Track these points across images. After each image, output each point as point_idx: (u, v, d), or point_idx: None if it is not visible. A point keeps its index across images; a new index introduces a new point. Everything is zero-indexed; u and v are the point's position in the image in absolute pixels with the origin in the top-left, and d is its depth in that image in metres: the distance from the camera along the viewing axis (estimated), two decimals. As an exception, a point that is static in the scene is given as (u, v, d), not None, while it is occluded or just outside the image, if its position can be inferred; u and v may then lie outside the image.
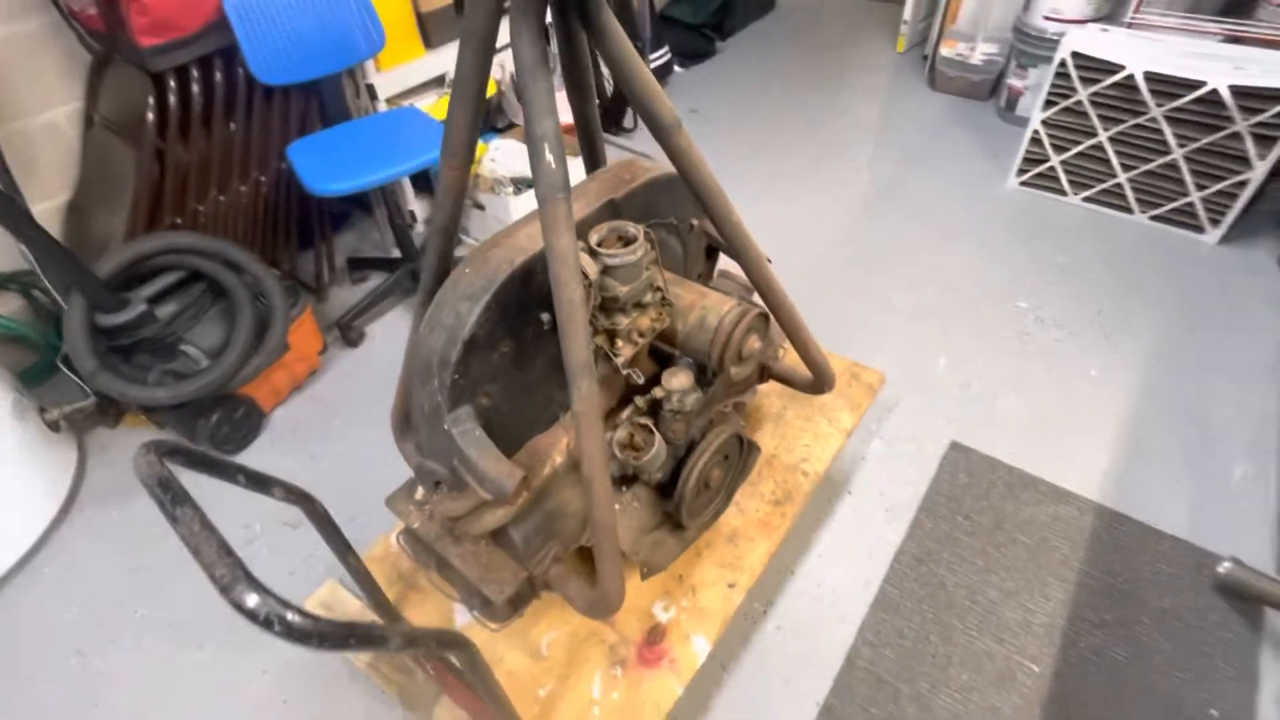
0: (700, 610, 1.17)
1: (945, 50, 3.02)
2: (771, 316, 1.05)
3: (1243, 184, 2.06)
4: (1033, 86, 2.69)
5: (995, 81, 2.99)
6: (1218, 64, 1.97)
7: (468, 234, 2.46)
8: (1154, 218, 2.28)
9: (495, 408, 0.92)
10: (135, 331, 1.59)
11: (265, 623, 0.56)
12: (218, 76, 1.76)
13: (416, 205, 2.41)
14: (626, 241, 0.86)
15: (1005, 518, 1.52)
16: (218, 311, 1.72)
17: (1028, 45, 2.64)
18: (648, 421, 1.00)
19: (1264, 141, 1.97)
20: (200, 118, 1.77)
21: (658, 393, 1.00)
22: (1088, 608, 1.37)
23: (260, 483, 0.89)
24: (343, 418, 1.88)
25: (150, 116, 1.68)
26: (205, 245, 1.67)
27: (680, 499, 1.07)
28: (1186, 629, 1.33)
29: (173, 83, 1.69)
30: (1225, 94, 1.93)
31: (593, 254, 0.85)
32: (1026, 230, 2.33)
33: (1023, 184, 2.49)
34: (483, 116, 0.80)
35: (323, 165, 1.76)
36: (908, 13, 3.37)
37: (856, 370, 1.53)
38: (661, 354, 1.09)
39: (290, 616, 0.56)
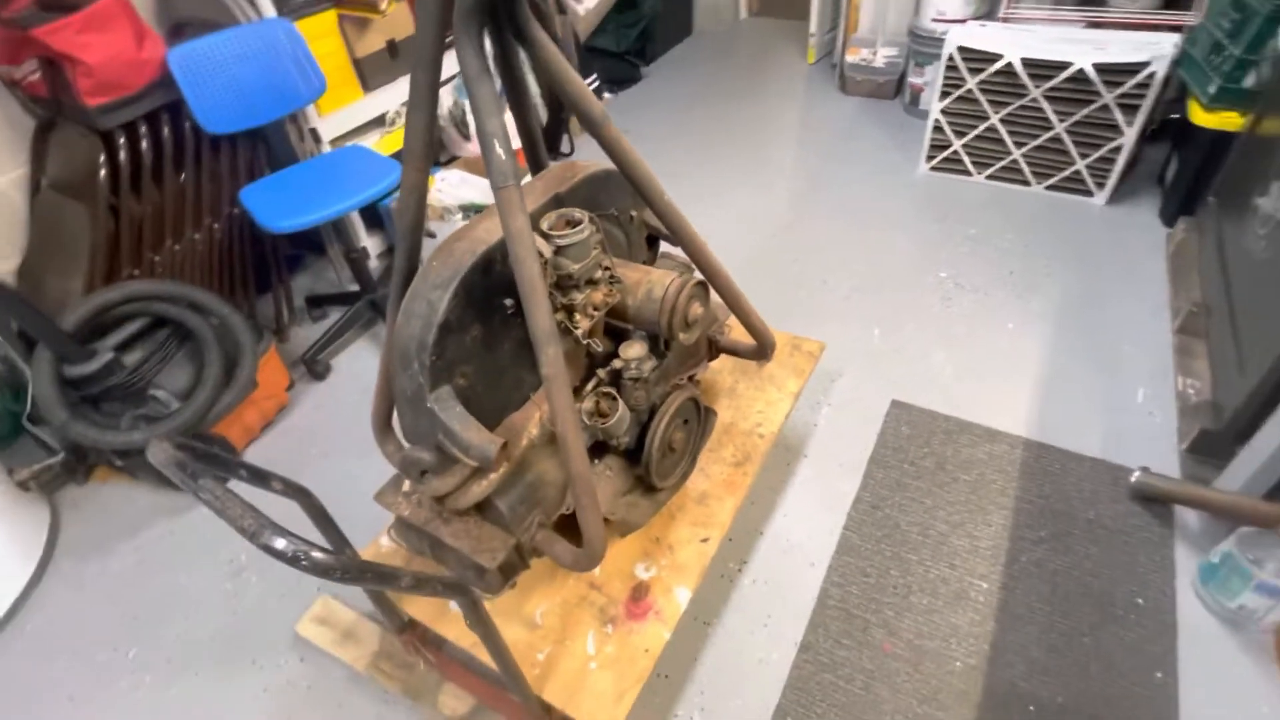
0: (679, 565, 1.26)
1: (850, 57, 3.28)
2: (711, 287, 1.18)
3: (1118, 149, 2.31)
4: (931, 82, 2.95)
5: (898, 81, 3.25)
6: (1082, 47, 2.23)
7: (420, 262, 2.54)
8: (1049, 187, 2.52)
9: (471, 388, 1.01)
10: (104, 380, 1.62)
11: (293, 559, 0.64)
12: (165, 130, 1.83)
13: (369, 241, 2.48)
14: (573, 224, 0.97)
15: (946, 460, 1.67)
16: (184, 354, 1.77)
17: (922, 45, 2.90)
18: (611, 390, 1.11)
19: (1129, 110, 2.22)
20: (151, 171, 1.83)
21: (617, 363, 1.11)
22: (1025, 528, 1.51)
23: (260, 477, 0.96)
24: (318, 447, 1.92)
25: (103, 173, 1.73)
26: (167, 290, 1.72)
27: (648, 460, 1.18)
28: (1110, 534, 1.48)
29: (122, 139, 1.75)
30: (1090, 72, 2.18)
31: (545, 237, 0.96)
32: (940, 209, 2.54)
33: (932, 169, 2.72)
34: (435, 127, 0.91)
35: (276, 205, 1.83)
36: (813, 26, 3.63)
37: (798, 342, 1.66)
38: (616, 331, 1.20)
39: (314, 554, 0.64)
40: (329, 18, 2.20)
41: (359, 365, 2.19)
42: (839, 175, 2.83)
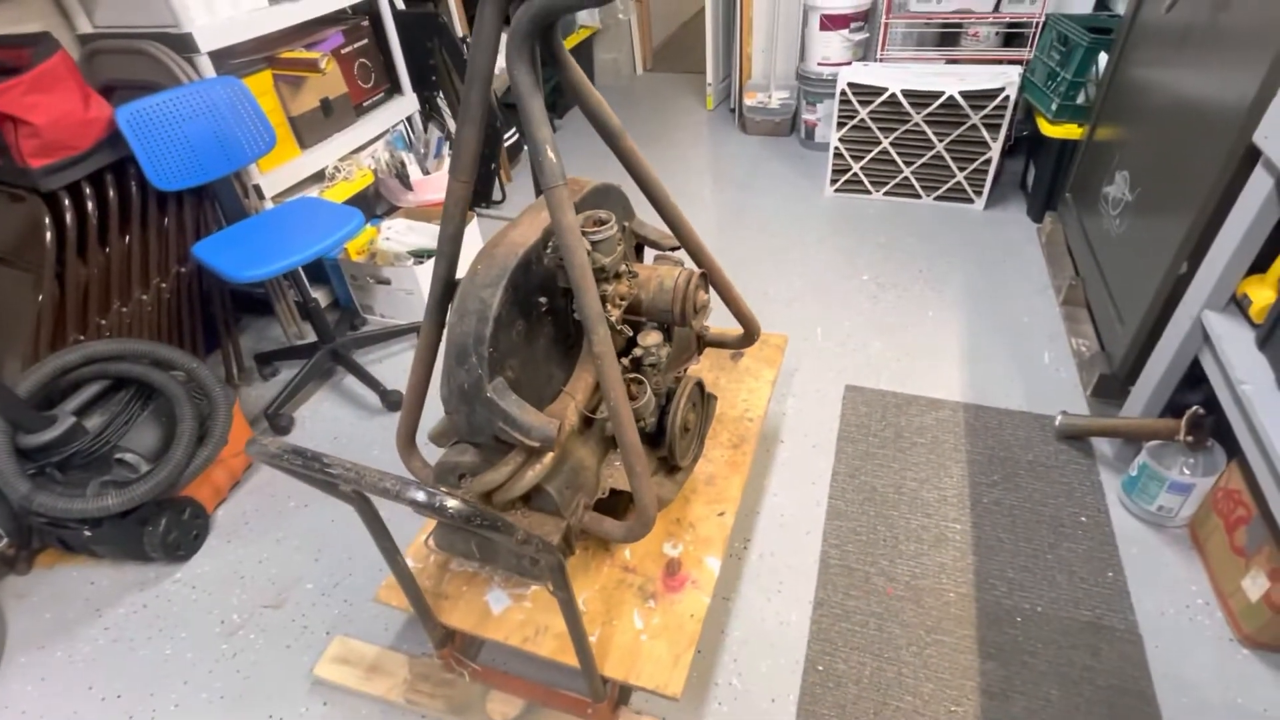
0: (703, 539, 1.36)
1: (748, 100, 3.64)
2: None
3: (988, 161, 2.72)
4: (823, 117, 3.33)
5: (792, 119, 3.64)
6: (948, 78, 2.64)
7: (372, 311, 2.55)
8: (937, 197, 2.91)
9: (517, 380, 1.09)
10: (65, 447, 1.53)
11: (439, 509, 0.70)
12: (110, 190, 1.79)
13: (316, 294, 2.46)
14: (602, 223, 1.09)
15: (902, 429, 1.88)
16: (150, 414, 1.69)
17: (811, 86, 3.29)
18: (637, 375, 1.22)
19: (993, 128, 2.64)
20: (96, 232, 1.77)
21: (637, 351, 1.23)
22: (980, 475, 1.73)
23: (327, 484, 0.97)
24: (295, 499, 1.87)
25: (48, 236, 1.67)
26: (128, 349, 1.66)
27: (672, 438, 1.28)
28: (1048, 469, 1.73)
29: (67, 201, 1.70)
30: (959, 97, 2.59)
31: (581, 234, 1.07)
32: (849, 224, 2.86)
33: (836, 190, 3.06)
34: (482, 140, 1.01)
35: (237, 257, 1.82)
36: (710, 76, 4.00)
37: (764, 338, 1.84)
38: (629, 324, 1.31)
39: (451, 503, 0.70)
40: (265, 78, 2.24)
41: (324, 415, 2.15)
42: (754, 203, 3.12)
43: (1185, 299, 1.49)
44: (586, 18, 4.48)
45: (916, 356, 2.14)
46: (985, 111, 2.60)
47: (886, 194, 2.98)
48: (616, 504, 1.31)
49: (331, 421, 2.13)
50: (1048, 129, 2.49)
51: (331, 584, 1.63)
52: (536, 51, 0.98)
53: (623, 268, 1.15)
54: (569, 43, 4.29)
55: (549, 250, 1.07)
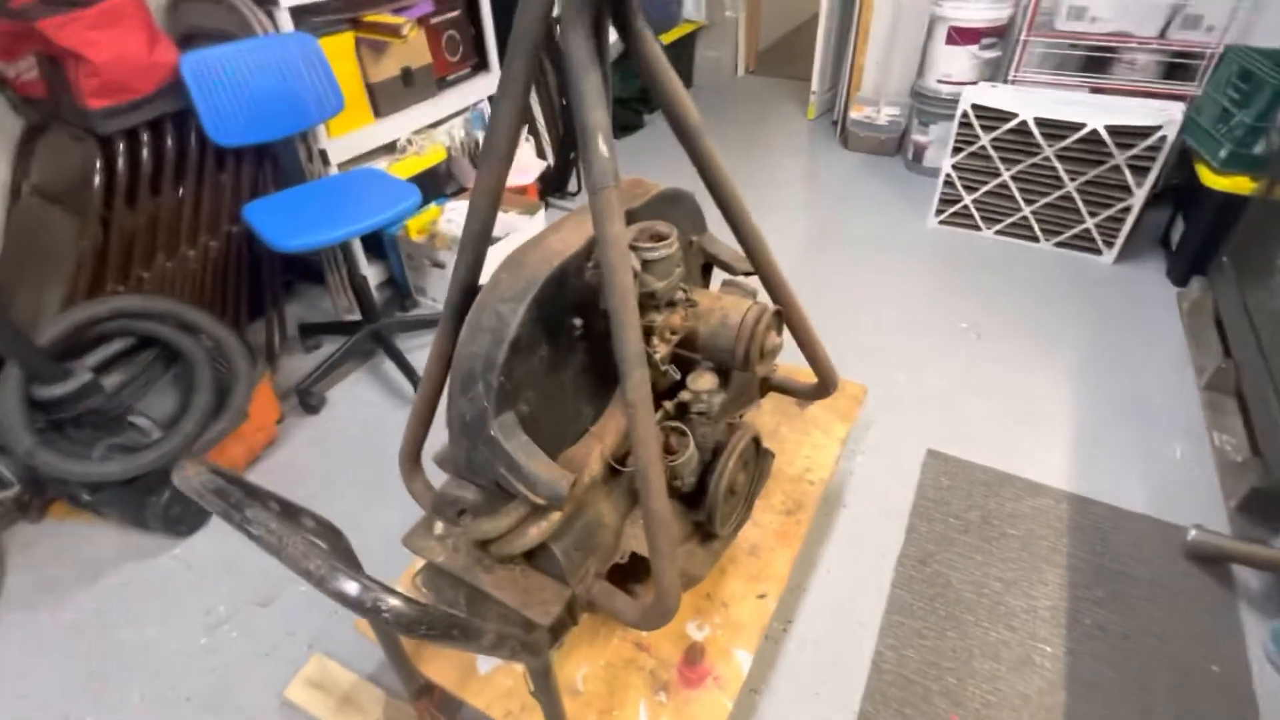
0: (735, 624, 1.14)
1: (854, 114, 3.34)
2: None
3: (1127, 209, 2.35)
4: (935, 140, 3.01)
5: (900, 139, 3.32)
6: (1091, 109, 2.29)
7: (425, 294, 2.43)
8: (1058, 244, 2.55)
9: (533, 417, 0.90)
10: (78, 403, 1.45)
11: (370, 609, 0.51)
12: (169, 140, 1.72)
13: (369, 271, 2.36)
14: (660, 238, 0.89)
15: (991, 514, 1.59)
16: (170, 379, 1.61)
17: (926, 105, 2.97)
18: (680, 425, 1.01)
19: (1139, 171, 2.27)
20: (149, 181, 1.71)
21: (685, 395, 1.02)
22: (1082, 588, 1.43)
23: (291, 513, 0.82)
24: (308, 488, 1.75)
25: (97, 181, 1.60)
26: (158, 307, 1.57)
27: (713, 504, 1.07)
28: (1172, 595, 1.41)
29: (122, 146, 1.63)
30: (1103, 133, 2.24)
31: (632, 249, 0.87)
32: (952, 261, 2.55)
33: (941, 222, 2.74)
34: (522, 123, 0.83)
35: (284, 223, 1.71)
36: (815, 84, 3.73)
37: (840, 385, 1.59)
38: (679, 360, 1.11)
39: (394, 601, 0.52)
40: (346, 39, 2.14)
41: (356, 399, 2.04)
42: (846, 224, 2.84)
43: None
44: (693, 11, 4.27)
45: (1017, 427, 1.84)
46: (1133, 152, 2.24)
47: (999, 233, 2.65)
48: (639, 569, 1.11)
49: (363, 406, 2.01)
50: (1210, 179, 2.11)
51: (326, 589, 1.50)
52: (605, 15, 0.78)
53: (679, 294, 0.95)
54: (669, 37, 4.10)
55: (590, 265, 0.88)
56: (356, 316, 2.16)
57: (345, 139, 2.18)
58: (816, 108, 3.82)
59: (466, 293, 0.91)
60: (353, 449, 1.85)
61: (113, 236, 1.67)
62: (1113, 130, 2.23)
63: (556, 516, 0.89)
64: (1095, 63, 2.59)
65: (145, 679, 1.35)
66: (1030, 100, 2.38)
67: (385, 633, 1.03)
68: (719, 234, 1.19)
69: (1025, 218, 2.55)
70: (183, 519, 1.61)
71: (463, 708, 1.27)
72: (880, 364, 2.06)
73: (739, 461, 1.10)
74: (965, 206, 2.66)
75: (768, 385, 1.35)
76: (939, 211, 2.73)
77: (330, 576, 0.52)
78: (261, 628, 1.43)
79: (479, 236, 0.89)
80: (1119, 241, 2.43)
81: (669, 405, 1.03)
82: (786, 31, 5.48)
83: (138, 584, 1.53)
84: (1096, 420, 1.85)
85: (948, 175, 2.63)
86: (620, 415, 1.00)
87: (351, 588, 0.52)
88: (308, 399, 1.96)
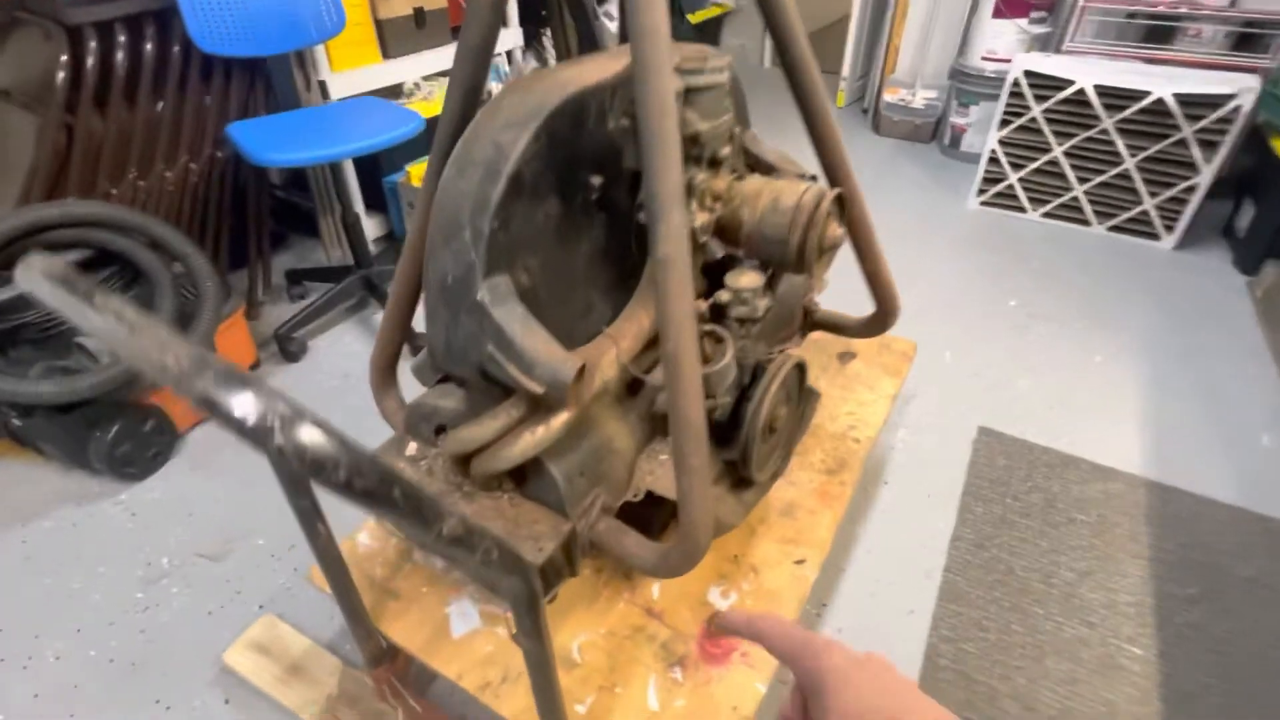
0: (768, 592, 0.93)
1: (888, 97, 3.18)
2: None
3: (1192, 189, 2.16)
4: (976, 122, 2.84)
5: (935, 124, 3.15)
6: (1155, 78, 2.11)
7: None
8: (1111, 228, 2.35)
9: (533, 292, 0.71)
10: (14, 315, 1.27)
11: (254, 432, 0.31)
12: (148, 42, 1.55)
13: (367, 223, 2.19)
14: (709, 64, 0.70)
15: (1055, 497, 1.38)
16: (130, 301, 1.42)
17: (968, 84, 2.80)
18: (717, 328, 0.81)
19: (1208, 146, 2.08)
20: (123, 88, 1.54)
21: (722, 295, 0.82)
22: (1171, 583, 1.21)
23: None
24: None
25: (61, 76, 1.43)
26: (118, 217, 1.39)
27: (748, 439, 0.87)
28: (1276, 596, 1.19)
29: (93, 43, 1.46)
30: (1171, 102, 2.05)
31: (676, 72, 0.68)
32: (995, 243, 2.35)
33: (983, 203, 2.55)
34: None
35: (271, 139, 1.54)
36: (845, 70, 3.57)
37: (885, 341, 1.39)
38: (711, 267, 0.92)
39: (302, 427, 0.32)
40: (356, -33, 1.98)
41: (341, 349, 1.86)
42: (882, 207, 2.64)
43: None
44: (721, -6, 4.14)
45: (1076, 407, 1.63)
46: (1203, 124, 2.05)
47: (1046, 215, 2.45)
48: (652, 517, 0.91)
49: (347, 358, 1.82)
50: (1290, 155, 1.92)
51: (287, 546, 1.30)
52: None
53: (725, 149, 0.76)
54: (698, 18, 3.97)
55: (619, 113, 0.69)
56: (350, 262, 1.98)
57: (348, 75, 2.02)
58: (847, 95, 3.66)
59: (458, 130, 0.72)
60: (331, 399, 1.66)
61: (77, 144, 1.50)
62: (1182, 99, 2.04)
63: (557, 424, 0.70)
64: (1155, 33, 2.41)
65: (64, 635, 1.15)
66: (1087, 67, 2.20)
67: (339, 578, 0.83)
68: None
69: (1076, 198, 2.36)
70: (132, 460, 1.41)
71: (435, 681, 1.06)
72: (924, 339, 1.84)
73: (780, 392, 0.90)
74: (1010, 186, 2.47)
75: (811, 321, 1.16)
76: (981, 191, 2.54)
77: (196, 373, 0.32)
78: (207, 584, 1.23)
79: (477, 54, 0.70)
80: (1181, 225, 2.23)
81: (703, 306, 0.84)
82: (815, 29, 5.35)
83: (72, 530, 1.34)
84: (1167, 405, 1.64)
85: (992, 152, 2.44)
86: (643, 316, 0.80)
87: (239, 398, 0.32)
88: (287, 345, 1.77)
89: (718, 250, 0.78)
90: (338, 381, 1.74)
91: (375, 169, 2.16)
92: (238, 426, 0.32)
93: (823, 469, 1.11)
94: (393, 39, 2.16)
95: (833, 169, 0.89)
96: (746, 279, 0.82)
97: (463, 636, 0.89)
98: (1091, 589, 1.20)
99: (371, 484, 0.35)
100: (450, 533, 0.41)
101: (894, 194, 2.75)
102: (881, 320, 1.05)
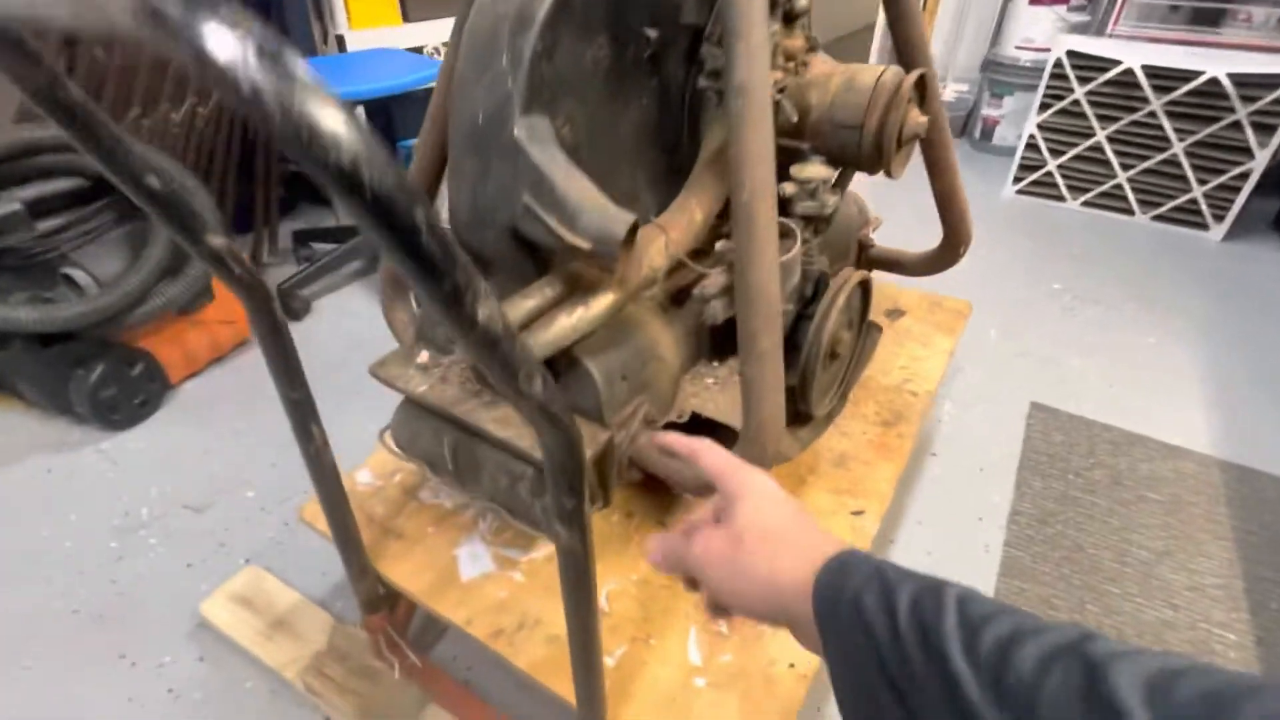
0: (824, 543, 0.81)
1: (916, 89, 3.10)
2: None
3: (1244, 175, 2.05)
4: (1010, 113, 2.75)
5: (966, 118, 3.06)
6: (1208, 59, 2.01)
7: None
8: (1156, 218, 2.25)
9: (575, 154, 0.60)
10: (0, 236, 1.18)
11: (232, 75, 0.21)
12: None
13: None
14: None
15: (1122, 475, 1.26)
16: (122, 235, 1.33)
17: (1002, 75, 2.72)
18: (781, 220, 0.71)
19: (1263, 130, 1.98)
20: (130, 18, 1.46)
21: (787, 188, 0.72)
22: (1262, 565, 1.09)
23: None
24: (274, 390, 1.45)
25: None
26: (117, 146, 1.30)
27: (808, 365, 0.76)
28: (1383, 584, 1.06)
29: (101, -34, 1.38)
30: (1226, 82, 1.96)
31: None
32: (1034, 231, 2.25)
33: (1019, 191, 2.45)
34: None
35: (282, 78, 1.46)
36: (872, 61, 3.49)
37: (936, 299, 1.29)
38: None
39: (297, 66, 0.21)
40: (379, -80, 1.92)
41: (346, 310, 1.76)
42: (912, 198, 2.54)
43: None
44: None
45: (1135, 387, 1.51)
46: (1259, 105, 1.95)
47: (1086, 204, 2.35)
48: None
49: (351, 318, 1.72)
50: (1355, 135, 1.82)
51: (278, 499, 1.19)
52: None
53: (804, 1, 0.66)
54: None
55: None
56: (358, 223, 1.88)
57: (366, 34, 1.95)
58: (871, 92, 3.58)
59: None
60: (333, 358, 1.56)
61: (78, 75, 1.42)
62: (1237, 79, 1.95)
63: (600, 306, 0.59)
64: (1202, 17, 2.33)
65: (29, 584, 1.03)
66: (1134, 48, 2.11)
67: (337, 507, 0.72)
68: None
69: (1119, 186, 2.26)
70: (117, 406, 1.30)
71: (442, 639, 0.94)
72: (969, 323, 1.74)
73: (844, 313, 0.79)
74: (1048, 173, 2.37)
75: (866, 259, 1.05)
76: (1017, 179, 2.44)
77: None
78: (189, 536, 1.11)
79: None
80: (1232, 213, 2.12)
81: (763, 199, 0.73)
82: (835, 37, 5.31)
83: (45, 476, 1.23)
84: (1233, 386, 1.52)
85: (1030, 137, 2.35)
86: (695, 207, 0.70)
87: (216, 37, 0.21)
88: (290, 301, 1.68)
89: (792, 111, 0.68)
90: (342, 340, 1.63)
91: (390, 132, 2.08)
92: (194, 54, 0.21)
93: (877, 420, 1.00)
94: (414, 1, 2.09)
95: (909, 48, 0.79)
96: (814, 169, 0.72)
97: (473, 580, 0.77)
98: (1172, 569, 1.08)
99: (388, 187, 0.24)
100: (485, 321, 0.30)
101: (923, 189, 2.64)
102: (951, 251, 0.95)
